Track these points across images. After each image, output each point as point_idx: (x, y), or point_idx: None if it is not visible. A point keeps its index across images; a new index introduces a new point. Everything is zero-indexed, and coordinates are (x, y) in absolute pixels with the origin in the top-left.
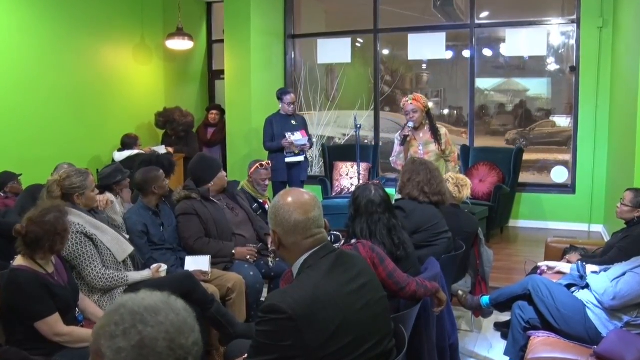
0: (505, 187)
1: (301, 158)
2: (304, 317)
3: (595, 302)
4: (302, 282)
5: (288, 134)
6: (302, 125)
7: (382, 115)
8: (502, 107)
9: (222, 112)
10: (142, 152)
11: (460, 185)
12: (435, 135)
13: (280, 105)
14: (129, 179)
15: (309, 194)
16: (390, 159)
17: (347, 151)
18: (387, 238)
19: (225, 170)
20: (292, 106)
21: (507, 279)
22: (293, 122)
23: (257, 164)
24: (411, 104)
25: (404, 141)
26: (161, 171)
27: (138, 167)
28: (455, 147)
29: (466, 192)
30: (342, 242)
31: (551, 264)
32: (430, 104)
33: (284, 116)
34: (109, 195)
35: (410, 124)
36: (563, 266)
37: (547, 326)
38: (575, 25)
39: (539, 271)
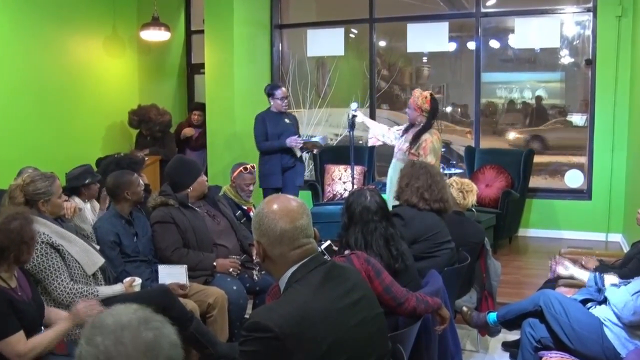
0: (514, 192)
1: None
2: (292, 336)
3: (614, 320)
4: (290, 297)
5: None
6: (295, 125)
7: (378, 113)
8: (511, 105)
9: (204, 113)
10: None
11: (465, 190)
12: (416, 138)
13: (272, 102)
14: (99, 183)
15: (297, 200)
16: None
17: (339, 153)
18: (384, 249)
19: (206, 174)
20: (285, 101)
21: (516, 294)
22: (286, 120)
23: (241, 168)
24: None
25: (351, 123)
26: (135, 175)
27: (103, 174)
28: (433, 159)
29: (471, 199)
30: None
31: (567, 263)
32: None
33: (276, 114)
34: (77, 201)
35: (354, 106)
36: (578, 273)
37: (560, 346)
38: (591, 14)
39: (550, 273)
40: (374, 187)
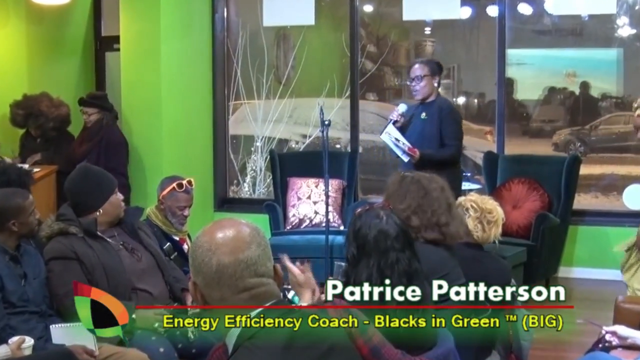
0: (553, 216)
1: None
2: None
3: None
4: None
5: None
6: (432, 120)
7: (362, 105)
8: (548, 94)
9: (101, 109)
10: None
11: (486, 221)
12: None
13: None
14: None
15: (245, 224)
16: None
17: (308, 161)
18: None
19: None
20: (413, 83)
21: (555, 358)
22: (423, 115)
23: (173, 184)
24: None
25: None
26: (30, 198)
27: None
28: None
29: (494, 232)
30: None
31: (622, 330)
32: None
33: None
34: None
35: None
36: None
37: None
38: None
39: (602, 344)
40: (387, 204)
